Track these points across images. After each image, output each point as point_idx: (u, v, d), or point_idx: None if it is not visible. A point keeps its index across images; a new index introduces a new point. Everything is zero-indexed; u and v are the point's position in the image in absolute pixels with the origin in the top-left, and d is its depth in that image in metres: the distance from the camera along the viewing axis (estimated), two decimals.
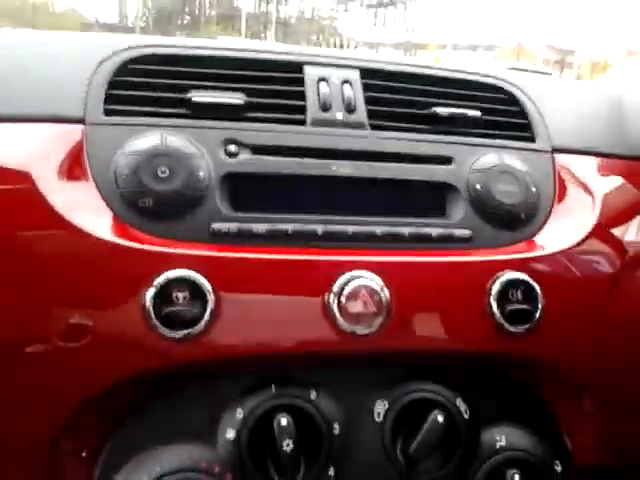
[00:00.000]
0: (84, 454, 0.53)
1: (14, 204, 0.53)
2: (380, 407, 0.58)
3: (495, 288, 0.58)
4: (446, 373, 0.60)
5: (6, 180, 0.53)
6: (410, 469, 0.56)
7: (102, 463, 0.53)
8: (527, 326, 0.58)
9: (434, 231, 0.61)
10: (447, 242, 0.61)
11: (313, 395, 0.56)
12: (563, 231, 0.64)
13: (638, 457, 0.65)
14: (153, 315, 0.51)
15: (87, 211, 0.53)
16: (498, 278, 0.59)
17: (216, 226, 0.56)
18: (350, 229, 0.59)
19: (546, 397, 0.63)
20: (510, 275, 0.59)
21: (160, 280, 0.51)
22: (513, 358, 0.60)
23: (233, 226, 0.56)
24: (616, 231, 0.66)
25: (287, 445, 0.53)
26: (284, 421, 0.54)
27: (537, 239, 0.64)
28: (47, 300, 0.51)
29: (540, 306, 0.59)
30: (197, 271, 0.52)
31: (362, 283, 0.55)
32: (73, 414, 0.50)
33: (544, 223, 0.65)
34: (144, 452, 0.53)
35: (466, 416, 0.58)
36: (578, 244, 0.63)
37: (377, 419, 0.57)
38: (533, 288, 0.59)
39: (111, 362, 0.51)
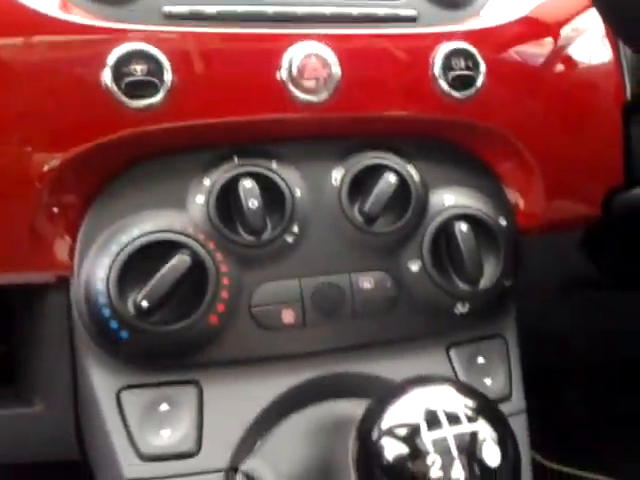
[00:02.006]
0: (57, 210, 0.57)
1: None
2: (337, 173, 0.63)
3: (439, 57, 0.62)
4: (398, 144, 0.65)
5: None
6: (367, 225, 0.62)
7: (83, 230, 0.58)
8: (470, 91, 0.63)
9: (381, 10, 0.63)
10: (393, 21, 0.64)
11: (274, 164, 0.61)
12: (503, 11, 0.68)
13: (575, 215, 0.72)
14: (114, 86, 0.54)
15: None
16: (442, 48, 0.63)
17: (167, 8, 0.58)
18: (300, 10, 0.61)
19: (491, 160, 0.68)
20: (453, 44, 0.63)
21: (119, 52, 0.54)
22: (458, 123, 0.65)
23: (184, 8, 0.58)
24: (552, 13, 0.70)
25: (252, 204, 0.58)
26: (248, 184, 0.58)
27: (478, 17, 0.67)
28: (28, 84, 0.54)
29: (482, 72, 0.63)
30: (153, 45, 0.55)
31: (312, 52, 0.59)
32: (55, 177, 0.55)
33: (485, 4, 0.68)
34: (122, 219, 0.58)
35: (416, 178, 0.64)
36: (516, 21, 0.67)
37: (335, 183, 0.62)
38: (474, 56, 0.63)
39: (79, 129, 0.55)
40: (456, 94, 0.63)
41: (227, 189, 0.59)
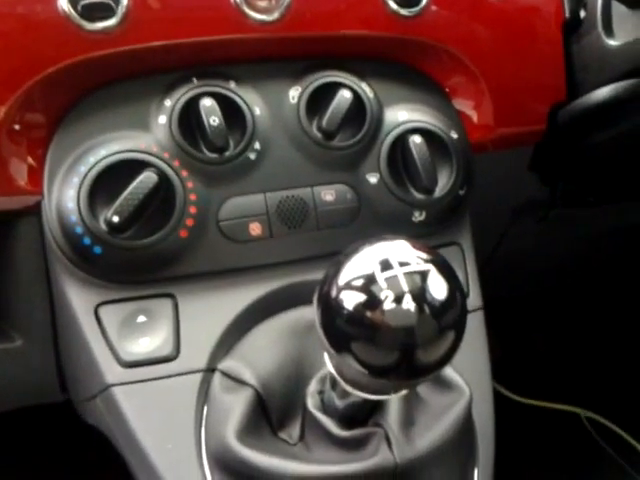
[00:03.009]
0: (22, 132, 0.59)
1: None
2: (294, 91, 0.65)
3: None
4: (352, 65, 0.68)
5: None
6: (326, 140, 0.65)
7: (50, 154, 0.60)
8: (417, 9, 0.66)
9: None
10: None
11: (232, 85, 0.63)
12: None
13: (523, 130, 0.77)
14: (71, 9, 0.56)
15: None
16: None
17: None
18: None
19: (441, 77, 0.72)
20: None
21: None
22: (408, 41, 0.68)
23: None
24: None
25: (213, 121, 0.60)
26: (208, 102, 0.61)
27: None
28: None
29: None
30: None
31: None
32: (21, 103, 0.57)
33: None
34: (88, 141, 0.60)
35: (370, 95, 0.67)
36: None
37: (292, 101, 0.65)
38: None
39: (42, 55, 0.57)
40: (404, 12, 0.66)
41: (188, 109, 0.61)
